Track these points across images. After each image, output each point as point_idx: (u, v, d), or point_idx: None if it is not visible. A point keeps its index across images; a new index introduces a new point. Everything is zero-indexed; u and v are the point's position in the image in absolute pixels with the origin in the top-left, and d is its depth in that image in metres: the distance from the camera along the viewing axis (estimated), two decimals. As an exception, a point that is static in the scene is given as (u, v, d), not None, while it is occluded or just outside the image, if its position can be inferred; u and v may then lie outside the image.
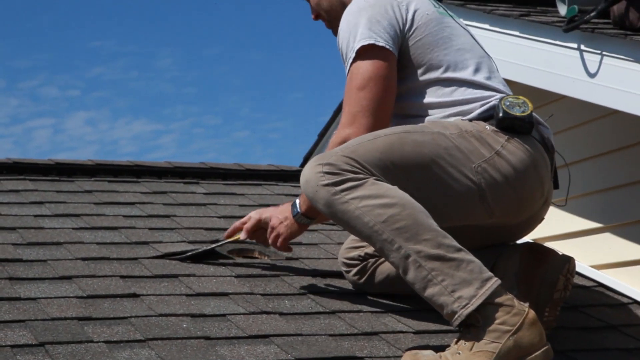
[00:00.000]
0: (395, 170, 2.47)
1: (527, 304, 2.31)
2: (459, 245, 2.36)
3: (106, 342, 2.34)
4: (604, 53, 2.99)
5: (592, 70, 3.02)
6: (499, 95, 2.65)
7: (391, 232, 2.36)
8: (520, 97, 2.61)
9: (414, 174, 2.49)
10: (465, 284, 2.29)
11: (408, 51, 2.68)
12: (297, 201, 2.72)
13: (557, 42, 3.18)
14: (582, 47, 3.07)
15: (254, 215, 2.88)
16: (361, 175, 2.43)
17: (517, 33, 3.38)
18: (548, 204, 2.68)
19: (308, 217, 2.72)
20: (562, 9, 3.32)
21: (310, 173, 2.46)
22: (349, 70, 2.66)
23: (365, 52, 2.62)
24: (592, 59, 3.03)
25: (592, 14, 3.04)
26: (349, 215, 2.41)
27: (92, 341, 2.34)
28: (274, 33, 16.11)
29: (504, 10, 3.51)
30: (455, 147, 2.52)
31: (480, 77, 2.68)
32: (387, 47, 2.63)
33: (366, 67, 2.61)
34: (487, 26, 3.49)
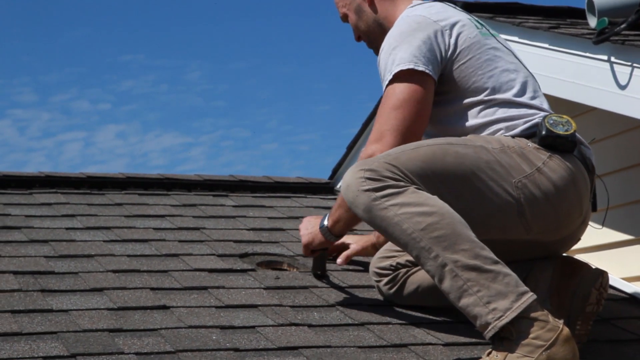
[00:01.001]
0: (436, 180, 2.48)
1: (561, 321, 2.30)
2: (496, 258, 2.35)
3: (137, 353, 2.36)
4: (634, 65, 2.97)
5: (623, 82, 3.01)
6: (542, 114, 2.65)
7: (429, 240, 2.36)
8: (564, 116, 2.61)
9: (454, 185, 2.49)
10: (501, 297, 2.28)
11: (452, 75, 2.68)
12: (327, 215, 2.78)
13: (587, 54, 3.17)
14: (613, 59, 3.05)
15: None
16: (402, 183, 2.44)
17: (546, 45, 3.37)
18: (586, 225, 2.67)
19: (332, 234, 2.79)
20: (592, 21, 3.31)
21: (351, 178, 2.48)
22: (385, 90, 2.68)
23: (404, 76, 2.64)
24: (622, 70, 3.02)
25: (623, 26, 3.03)
26: (387, 222, 2.42)
27: (122, 353, 2.35)
28: (302, 45, 16.16)
29: (533, 23, 3.50)
30: (496, 162, 2.52)
31: (524, 98, 2.68)
32: (427, 71, 2.64)
33: (402, 88, 2.63)
34: (516, 38, 3.49)
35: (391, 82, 2.65)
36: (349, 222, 2.75)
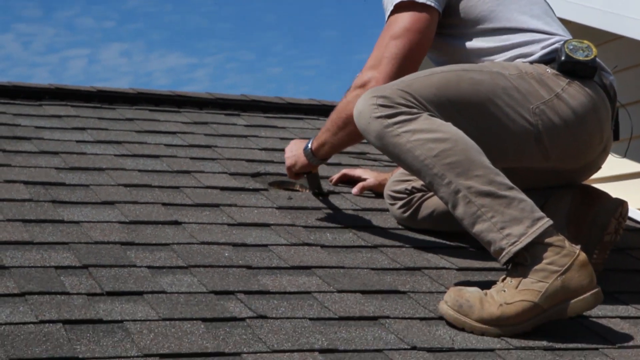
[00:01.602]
0: (451, 107, 2.43)
1: (578, 246, 2.27)
2: (511, 184, 2.31)
3: (149, 267, 2.34)
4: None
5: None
6: (561, 39, 2.58)
7: (442, 166, 2.32)
8: (585, 41, 2.54)
9: (469, 112, 2.44)
10: (516, 222, 2.25)
11: (459, 6, 2.62)
12: (312, 138, 2.80)
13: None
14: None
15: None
16: (415, 110, 2.39)
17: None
18: (607, 153, 2.62)
19: (315, 157, 2.80)
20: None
21: (364, 105, 2.43)
22: (387, 20, 2.63)
23: (405, 6, 2.60)
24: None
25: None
26: (400, 149, 2.38)
27: (135, 266, 2.33)
28: (311, -31, 15.92)
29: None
30: (513, 88, 2.47)
31: (539, 23, 2.60)
32: (428, 2, 2.58)
33: (403, 18, 2.59)
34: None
35: (392, 12, 2.61)
36: (334, 146, 2.74)
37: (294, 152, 2.89)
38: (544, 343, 2.18)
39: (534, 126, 2.47)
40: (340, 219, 2.88)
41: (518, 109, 2.47)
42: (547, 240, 2.24)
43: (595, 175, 2.76)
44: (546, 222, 2.27)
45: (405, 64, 2.57)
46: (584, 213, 2.57)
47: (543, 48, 2.56)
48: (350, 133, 2.65)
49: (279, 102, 4.24)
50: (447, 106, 2.43)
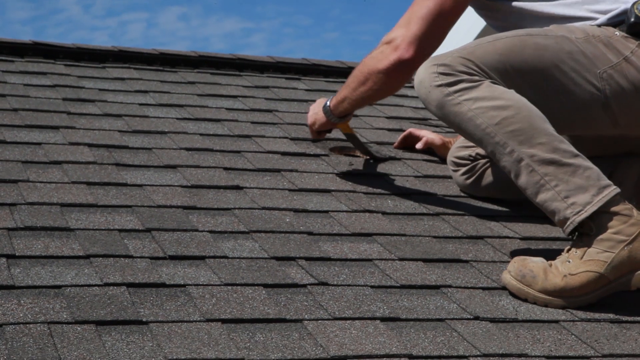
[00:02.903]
0: (514, 73, 2.38)
1: None
2: (576, 151, 2.26)
3: (211, 231, 2.35)
4: None
5: None
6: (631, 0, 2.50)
7: (504, 134, 2.28)
8: None
9: (534, 78, 2.40)
10: (581, 191, 2.21)
11: None
12: (332, 96, 2.81)
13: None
14: None
15: None
16: (477, 77, 2.35)
17: None
18: None
19: (334, 114, 2.82)
20: None
21: (424, 73, 2.40)
22: None
23: None
24: None
25: None
26: (461, 117, 2.34)
27: (197, 230, 2.34)
28: None
29: None
30: (580, 52, 2.41)
31: None
32: None
33: None
34: None
35: None
36: (353, 102, 2.73)
37: (315, 110, 2.91)
38: (610, 316, 2.14)
39: (601, 91, 2.41)
40: (401, 185, 2.85)
41: (584, 73, 2.41)
42: (614, 209, 2.19)
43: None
44: (613, 190, 2.21)
45: (435, 25, 2.52)
46: (652, 182, 2.51)
47: (611, 10, 2.49)
48: (370, 89, 2.63)
49: (340, 67, 4.20)
50: (510, 73, 2.38)
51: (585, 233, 2.22)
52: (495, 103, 2.31)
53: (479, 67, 2.37)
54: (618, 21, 2.48)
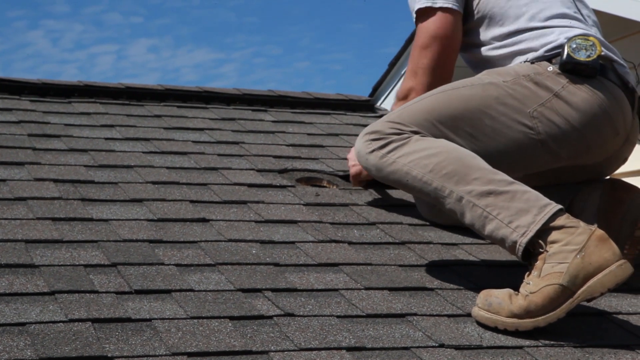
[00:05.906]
0: (445, 128, 2.48)
1: (595, 225, 2.24)
2: (511, 179, 2.32)
3: (176, 265, 2.35)
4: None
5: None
6: (567, 35, 2.55)
7: (440, 179, 2.35)
8: (591, 38, 2.50)
9: (465, 129, 2.48)
10: (523, 213, 2.24)
11: (473, 6, 2.69)
12: None
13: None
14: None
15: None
16: (405, 135, 2.47)
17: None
18: (631, 143, 2.60)
19: None
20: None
21: (359, 145, 2.54)
22: (415, 28, 2.76)
23: (427, 13, 2.71)
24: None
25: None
26: (399, 174, 2.44)
27: (163, 263, 2.35)
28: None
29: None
30: (507, 95, 2.49)
31: (549, 21, 2.60)
32: (448, 5, 2.67)
33: (428, 26, 2.72)
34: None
35: (416, 21, 2.74)
36: None
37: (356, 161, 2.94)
38: (574, 340, 2.16)
39: (534, 130, 2.47)
40: (367, 215, 2.87)
41: (515, 115, 2.47)
42: (558, 223, 2.21)
43: (625, 169, 2.73)
44: (554, 206, 2.24)
45: (439, 71, 2.71)
46: (614, 208, 2.55)
47: (545, 45, 2.55)
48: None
49: (306, 97, 4.23)
50: (441, 128, 2.48)
51: (537, 253, 2.24)
52: (425, 152, 2.40)
53: (407, 126, 2.48)
54: (553, 54, 2.54)
